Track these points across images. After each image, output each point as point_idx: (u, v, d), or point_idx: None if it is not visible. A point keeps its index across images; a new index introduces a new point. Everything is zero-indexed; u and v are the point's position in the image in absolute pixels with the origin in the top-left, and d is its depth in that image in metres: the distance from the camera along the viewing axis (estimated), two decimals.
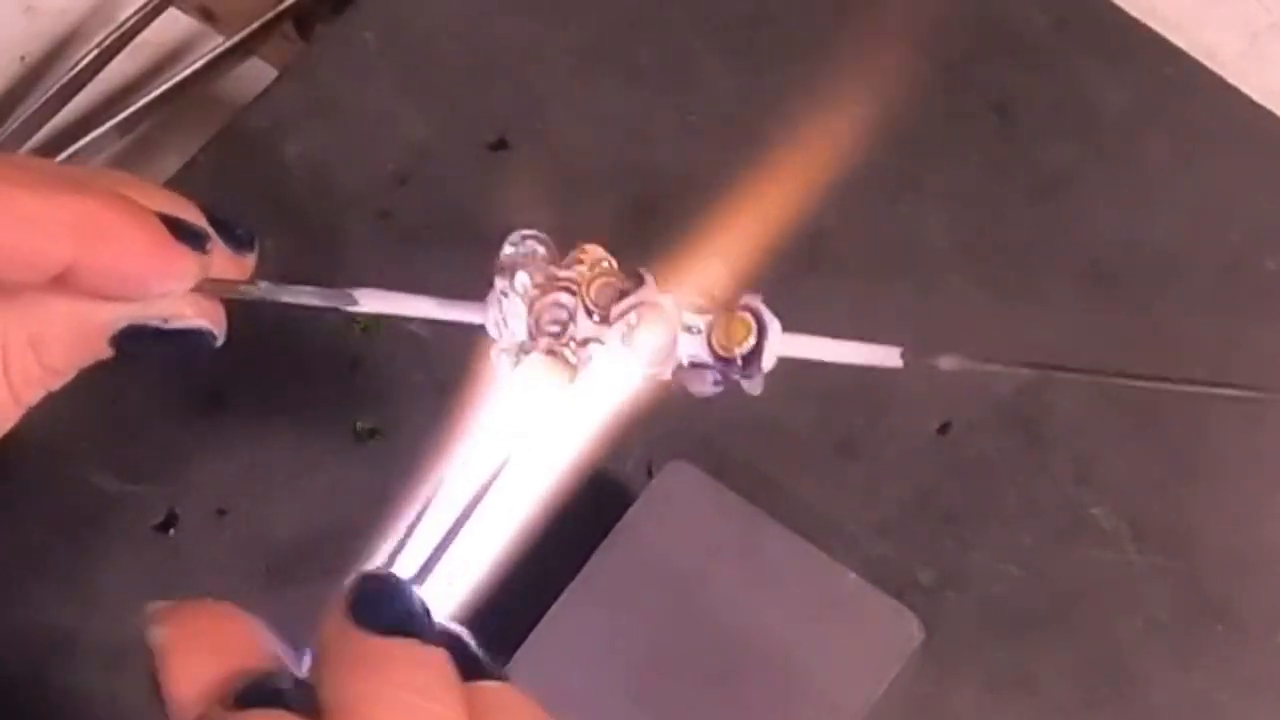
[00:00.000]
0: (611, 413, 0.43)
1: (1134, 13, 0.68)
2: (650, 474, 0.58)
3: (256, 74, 0.72)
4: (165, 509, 0.61)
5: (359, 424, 0.62)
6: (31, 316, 0.42)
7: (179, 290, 0.42)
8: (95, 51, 0.70)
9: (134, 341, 0.43)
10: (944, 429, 0.62)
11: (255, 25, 0.72)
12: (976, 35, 0.68)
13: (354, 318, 0.64)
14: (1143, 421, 0.62)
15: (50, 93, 0.70)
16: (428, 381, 0.62)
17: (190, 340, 0.44)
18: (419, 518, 0.41)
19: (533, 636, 0.55)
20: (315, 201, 0.66)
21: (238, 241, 0.44)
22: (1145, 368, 0.63)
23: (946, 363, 0.43)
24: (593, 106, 0.67)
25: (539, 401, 0.43)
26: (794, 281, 0.65)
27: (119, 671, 0.59)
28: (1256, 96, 0.67)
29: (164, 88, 0.70)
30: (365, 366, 0.63)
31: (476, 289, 0.45)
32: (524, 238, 0.44)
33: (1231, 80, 0.67)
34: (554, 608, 0.55)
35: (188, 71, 0.71)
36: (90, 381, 0.63)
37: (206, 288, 0.43)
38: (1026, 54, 0.68)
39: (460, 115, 0.67)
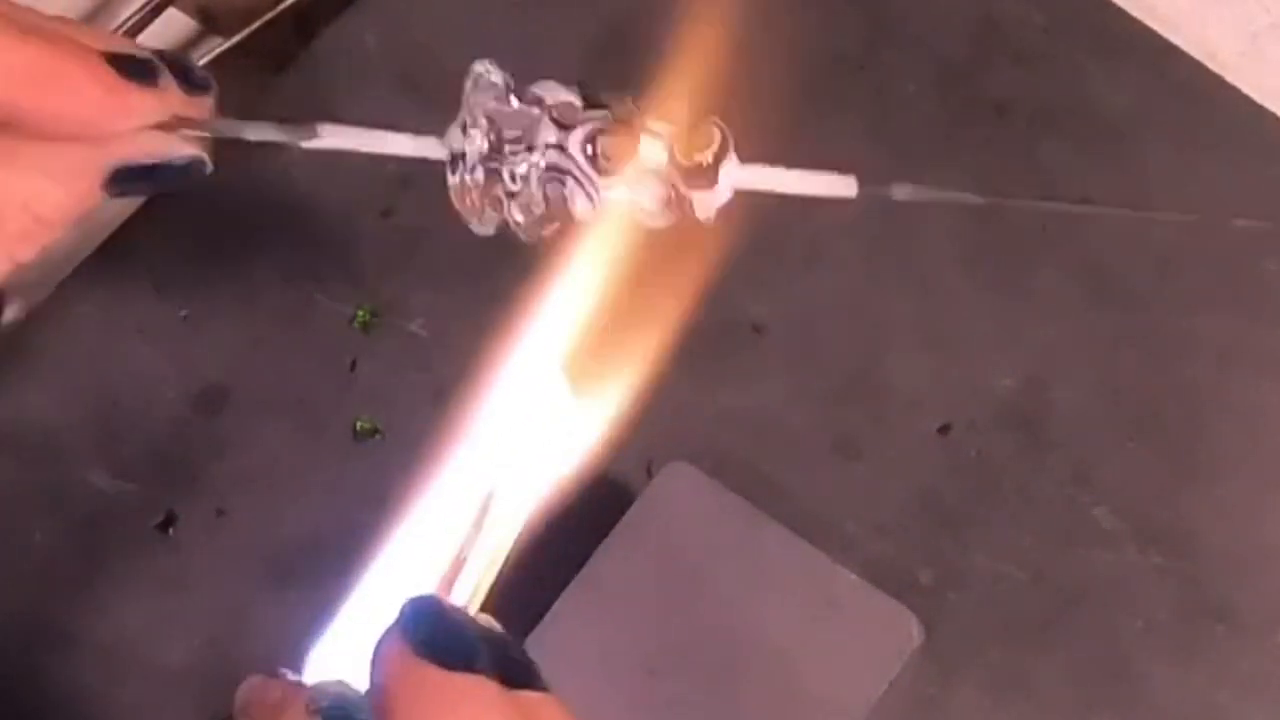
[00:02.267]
0: (611, 415, 0.43)
1: (1134, 13, 0.68)
2: (650, 474, 0.58)
3: (256, 74, 0.72)
4: (165, 509, 0.61)
5: (359, 424, 0.62)
6: (23, 176, 0.41)
7: (138, 125, 0.42)
8: None
9: (126, 182, 0.43)
10: (944, 429, 0.62)
11: (255, 25, 0.72)
12: (976, 35, 0.68)
13: (351, 319, 0.64)
14: (1143, 421, 0.62)
15: None
16: (428, 381, 0.62)
17: (182, 172, 0.43)
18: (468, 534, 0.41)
19: (532, 637, 0.55)
20: (316, 201, 0.66)
21: (193, 84, 0.44)
22: (1145, 368, 0.63)
23: (899, 191, 0.42)
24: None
25: (541, 412, 0.43)
26: (793, 282, 0.65)
27: (119, 671, 0.59)
28: (1256, 96, 0.67)
29: None
30: (365, 366, 0.63)
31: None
32: (485, 71, 0.43)
33: (1231, 80, 0.67)
34: (554, 608, 0.55)
35: None
36: (90, 382, 0.63)
37: (168, 124, 0.42)
38: (1026, 54, 0.68)
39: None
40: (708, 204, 0.42)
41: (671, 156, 0.42)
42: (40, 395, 0.63)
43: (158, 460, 0.62)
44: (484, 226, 0.43)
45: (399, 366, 0.63)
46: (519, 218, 0.43)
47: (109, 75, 0.41)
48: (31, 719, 0.59)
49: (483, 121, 0.43)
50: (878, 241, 0.65)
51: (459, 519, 0.41)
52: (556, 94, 0.43)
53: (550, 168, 0.42)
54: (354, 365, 0.63)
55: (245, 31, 0.72)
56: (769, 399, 0.62)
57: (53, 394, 0.63)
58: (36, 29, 0.40)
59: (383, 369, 0.63)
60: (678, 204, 0.42)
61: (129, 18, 0.71)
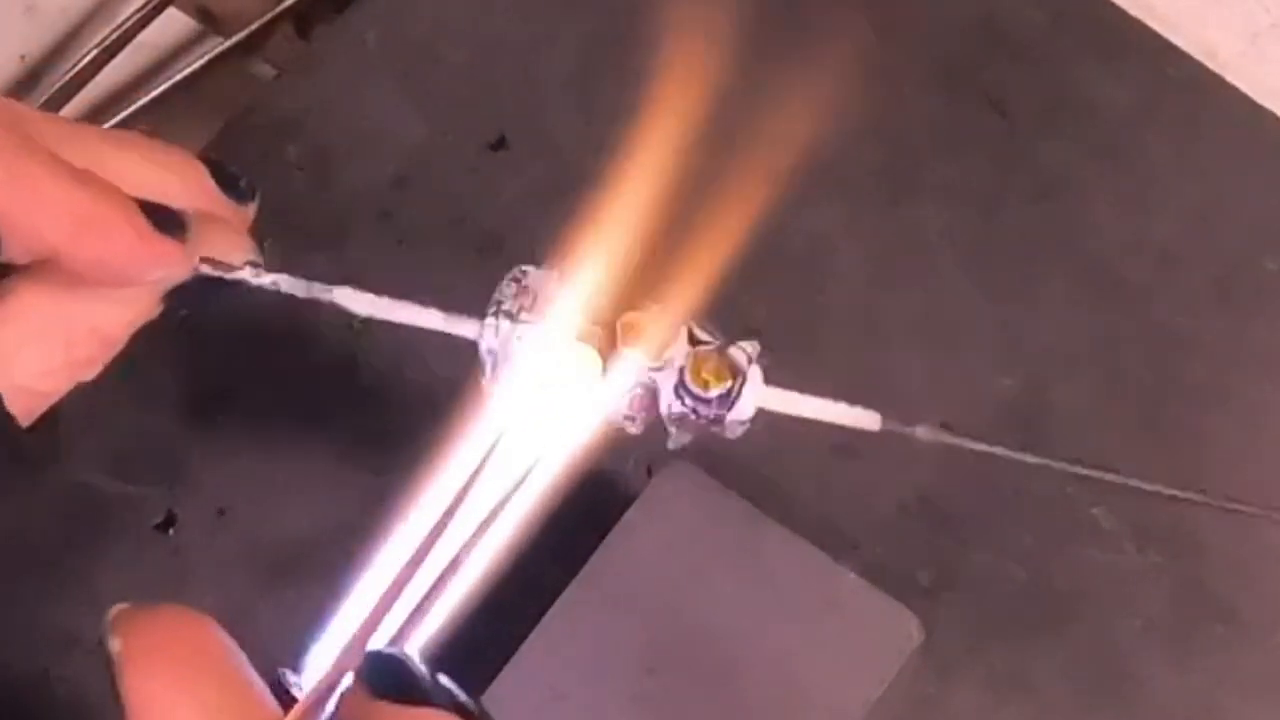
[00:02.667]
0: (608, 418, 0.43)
1: (1134, 12, 0.68)
2: (650, 474, 0.58)
3: (256, 74, 0.72)
4: (165, 509, 0.61)
5: (359, 423, 0.62)
6: (91, 302, 0.43)
7: (165, 274, 0.43)
8: (95, 51, 0.70)
9: (181, 297, 0.44)
10: (944, 429, 0.62)
11: (255, 25, 0.72)
12: (976, 35, 0.68)
13: (352, 320, 0.64)
14: (1143, 421, 0.62)
15: (50, 93, 0.70)
16: (428, 381, 0.62)
17: (233, 286, 0.44)
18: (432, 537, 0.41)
19: (533, 636, 0.55)
20: (315, 201, 0.66)
21: (239, 194, 0.45)
22: (1145, 368, 0.63)
23: (922, 433, 0.43)
24: (593, 107, 0.67)
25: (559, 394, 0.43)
26: (794, 283, 0.65)
27: None
28: (1256, 96, 0.67)
29: (164, 88, 0.70)
30: (365, 366, 0.63)
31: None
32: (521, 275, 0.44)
33: (1231, 80, 0.67)
34: (554, 608, 0.55)
35: (188, 71, 0.71)
36: (90, 381, 0.63)
37: (201, 269, 0.43)
38: (1026, 54, 0.68)
39: (460, 115, 0.67)
40: (732, 426, 0.43)
41: (682, 381, 0.43)
42: (53, 434, 0.63)
43: (158, 460, 0.62)
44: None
45: (399, 366, 0.63)
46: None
47: (144, 225, 0.42)
48: (32, 719, 0.59)
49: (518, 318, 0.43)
50: (878, 241, 0.65)
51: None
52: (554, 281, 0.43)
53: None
54: (354, 365, 0.63)
55: (245, 31, 0.72)
56: None
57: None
58: (85, 173, 0.41)
59: (383, 369, 0.63)
60: (697, 424, 0.43)
61: (129, 17, 0.71)
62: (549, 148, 0.67)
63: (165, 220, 0.42)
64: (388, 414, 0.62)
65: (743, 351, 0.42)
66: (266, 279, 0.45)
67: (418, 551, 0.41)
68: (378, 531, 0.42)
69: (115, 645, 0.36)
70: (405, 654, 0.39)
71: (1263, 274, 0.64)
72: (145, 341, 0.64)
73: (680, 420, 0.43)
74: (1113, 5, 0.68)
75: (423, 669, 0.38)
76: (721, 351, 0.42)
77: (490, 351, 0.43)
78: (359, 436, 0.62)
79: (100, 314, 0.43)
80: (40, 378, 0.43)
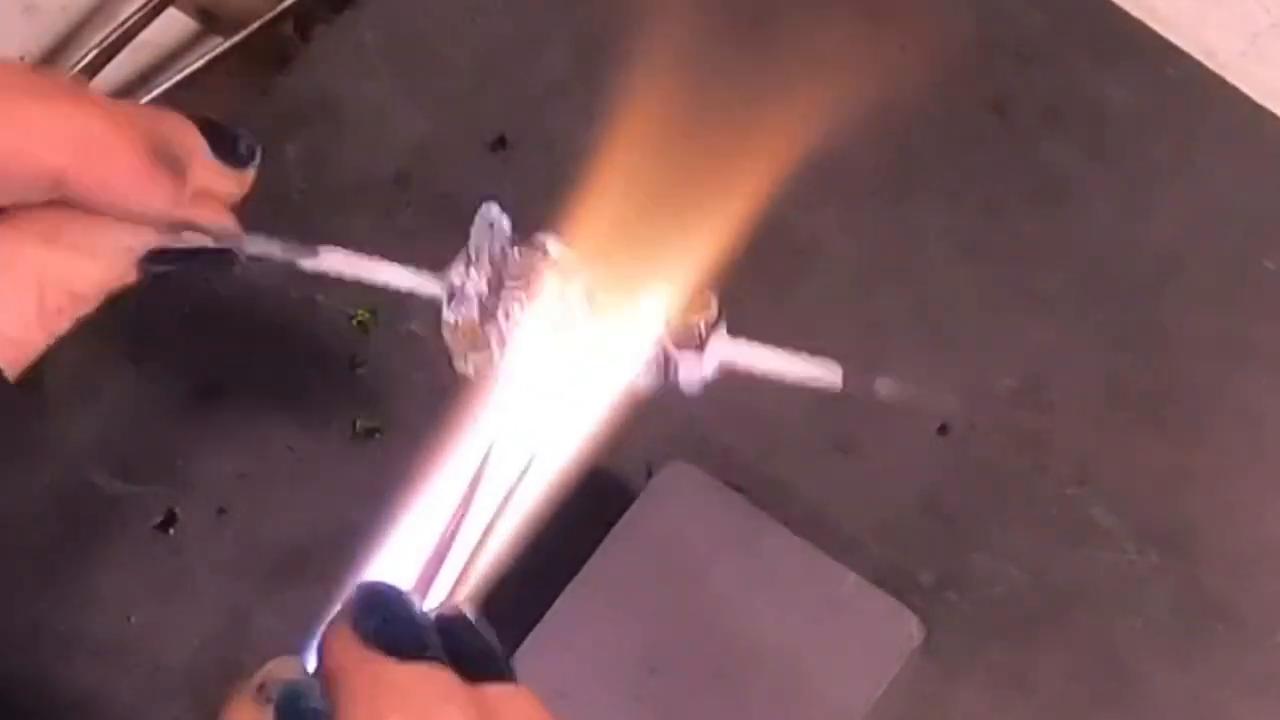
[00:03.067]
0: (611, 412, 0.43)
1: (1134, 13, 0.68)
2: (650, 474, 0.58)
3: (256, 74, 0.72)
4: (165, 509, 0.61)
5: (359, 423, 0.62)
6: (61, 254, 0.43)
7: (162, 211, 0.43)
8: (95, 51, 0.70)
9: (158, 264, 0.44)
10: (944, 429, 0.62)
11: (255, 25, 0.72)
12: (976, 35, 0.68)
13: (351, 319, 0.64)
14: (1143, 421, 0.62)
15: None
16: (428, 381, 0.62)
17: (214, 261, 0.45)
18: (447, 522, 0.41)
19: (533, 636, 0.55)
20: (315, 201, 0.66)
21: (237, 157, 0.45)
22: (1145, 368, 0.63)
23: (883, 387, 0.43)
24: (593, 106, 0.67)
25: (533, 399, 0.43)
26: (794, 282, 0.65)
27: (119, 671, 0.59)
28: (1256, 96, 0.67)
29: (164, 88, 0.70)
30: (365, 366, 0.63)
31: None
32: (494, 216, 0.44)
33: (1231, 80, 0.67)
34: (554, 607, 0.55)
35: (188, 71, 0.71)
36: (90, 382, 0.63)
37: (179, 225, 0.44)
38: (1026, 54, 0.68)
39: (460, 115, 0.67)
40: (693, 371, 0.43)
41: (665, 318, 0.43)
42: (40, 395, 0.63)
43: (158, 460, 0.62)
44: (466, 365, 0.44)
45: (399, 366, 0.63)
46: (501, 357, 0.43)
47: (148, 157, 0.42)
48: (32, 719, 0.59)
49: (486, 262, 0.43)
50: (878, 241, 0.65)
51: (452, 494, 0.41)
52: (558, 246, 0.43)
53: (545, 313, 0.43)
54: (354, 365, 0.63)
55: (245, 31, 0.72)
56: (769, 399, 0.62)
57: (53, 393, 0.63)
58: (89, 98, 0.41)
59: (383, 369, 0.63)
60: (663, 367, 0.43)
61: (129, 17, 0.71)
62: (549, 148, 0.67)
63: (165, 156, 0.42)
64: (387, 413, 0.62)
65: (714, 295, 0.43)
66: (250, 248, 0.44)
67: (422, 547, 0.41)
68: (377, 531, 0.42)
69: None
70: (399, 589, 0.39)
71: (1263, 274, 0.64)
72: (145, 341, 0.64)
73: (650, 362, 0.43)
74: (1113, 6, 0.68)
75: (419, 609, 0.38)
76: (700, 292, 0.43)
77: (455, 289, 0.43)
78: (359, 436, 0.62)
79: (73, 267, 0.43)
80: (16, 325, 0.43)
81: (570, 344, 0.43)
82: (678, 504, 0.57)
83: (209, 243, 0.44)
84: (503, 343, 0.43)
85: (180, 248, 0.44)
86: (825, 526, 0.59)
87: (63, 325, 0.45)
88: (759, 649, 0.55)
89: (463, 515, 0.41)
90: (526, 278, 0.43)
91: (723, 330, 0.43)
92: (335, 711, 0.36)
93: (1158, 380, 0.63)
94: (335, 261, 0.45)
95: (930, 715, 0.58)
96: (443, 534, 0.41)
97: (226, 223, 0.44)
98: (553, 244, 0.44)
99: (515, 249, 0.44)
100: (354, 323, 0.64)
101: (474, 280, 0.44)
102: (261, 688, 0.37)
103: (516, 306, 0.43)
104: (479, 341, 0.44)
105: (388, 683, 0.36)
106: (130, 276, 0.44)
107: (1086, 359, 0.63)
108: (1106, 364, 0.63)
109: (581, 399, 0.43)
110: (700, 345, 0.43)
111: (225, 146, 0.45)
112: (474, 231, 0.44)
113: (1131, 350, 0.63)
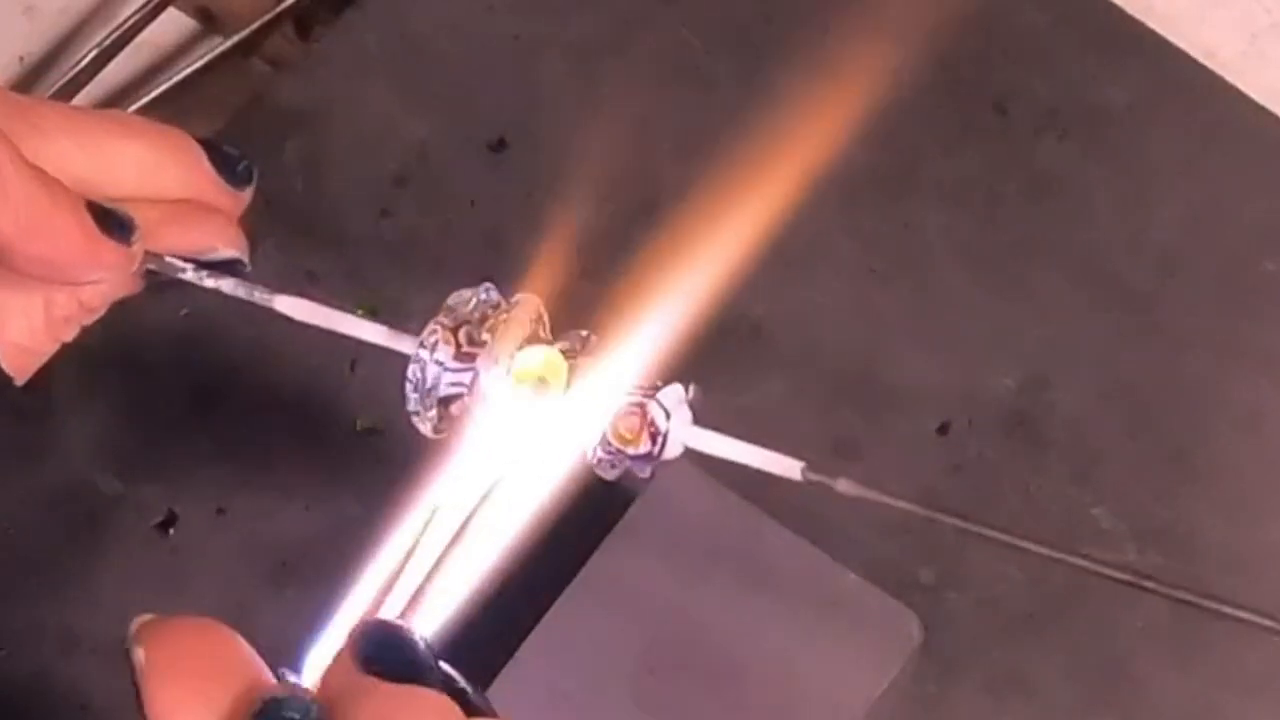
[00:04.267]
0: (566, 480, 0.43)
1: (1133, 12, 0.68)
2: (650, 474, 0.58)
3: (256, 74, 0.72)
4: (165, 509, 0.61)
5: (359, 422, 0.62)
6: None
7: (106, 278, 0.43)
8: (95, 51, 0.70)
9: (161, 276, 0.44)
10: (944, 429, 0.62)
11: (255, 25, 0.72)
12: (976, 35, 0.68)
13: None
14: (1143, 421, 0.62)
15: (50, 93, 0.70)
16: None
17: (222, 269, 0.45)
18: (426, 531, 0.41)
19: (533, 636, 0.55)
20: (315, 201, 0.66)
21: (236, 177, 0.45)
22: (1145, 368, 0.63)
23: (844, 486, 0.43)
24: (593, 106, 0.67)
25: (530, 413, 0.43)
26: (794, 282, 0.65)
27: (119, 671, 0.59)
28: (1256, 96, 0.67)
29: (164, 88, 0.70)
30: (365, 366, 0.63)
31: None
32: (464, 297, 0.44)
33: (1231, 80, 0.67)
34: (554, 608, 0.55)
35: (188, 71, 0.71)
36: (90, 381, 0.63)
37: (144, 264, 0.44)
38: (1026, 54, 0.68)
39: (460, 115, 0.67)
40: (644, 471, 0.43)
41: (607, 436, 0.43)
42: (40, 395, 0.63)
43: (158, 460, 0.62)
44: (424, 424, 0.44)
45: (399, 366, 0.63)
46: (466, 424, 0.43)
47: (91, 226, 0.42)
48: (32, 719, 0.59)
49: (456, 323, 0.43)
50: (878, 241, 0.65)
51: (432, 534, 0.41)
52: (533, 303, 0.43)
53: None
54: (354, 365, 0.63)
55: (245, 31, 0.72)
56: (769, 399, 0.62)
57: (53, 393, 0.63)
58: (40, 173, 0.41)
59: (383, 369, 0.63)
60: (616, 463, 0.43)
61: (129, 17, 0.71)
62: (549, 148, 0.66)
63: (112, 222, 0.42)
64: (387, 412, 0.62)
65: (661, 408, 0.42)
66: (209, 282, 0.45)
67: (413, 553, 0.41)
68: (377, 531, 0.42)
69: (139, 655, 0.36)
70: (403, 625, 0.39)
71: (1263, 274, 0.64)
72: (146, 341, 0.64)
73: (604, 464, 0.43)
74: (1113, 5, 0.68)
75: (422, 643, 0.38)
76: (642, 409, 0.42)
77: (413, 380, 0.44)
78: (359, 436, 0.62)
79: (86, 289, 0.44)
80: (25, 334, 0.44)
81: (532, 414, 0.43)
82: (678, 504, 0.57)
83: (221, 255, 0.44)
84: (463, 410, 0.43)
85: (185, 257, 0.44)
86: (825, 526, 0.59)
87: (70, 333, 0.45)
88: (759, 649, 0.55)
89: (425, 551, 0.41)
90: (495, 336, 0.43)
91: (687, 418, 0.43)
92: None
93: (1158, 380, 0.63)
94: (301, 313, 0.45)
95: (930, 715, 0.58)
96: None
97: (232, 241, 0.45)
98: (527, 301, 0.44)
99: (487, 309, 0.44)
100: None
101: (441, 347, 0.44)
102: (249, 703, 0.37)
103: (482, 369, 0.43)
104: (434, 404, 0.44)
105: (377, 699, 0.36)
106: (136, 286, 0.45)
107: (1086, 359, 0.63)
108: (1106, 364, 0.63)
109: (540, 465, 0.43)
110: (649, 458, 0.43)
111: (224, 166, 0.45)
112: (454, 301, 0.44)
113: (1131, 350, 0.63)
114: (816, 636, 0.55)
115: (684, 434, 0.43)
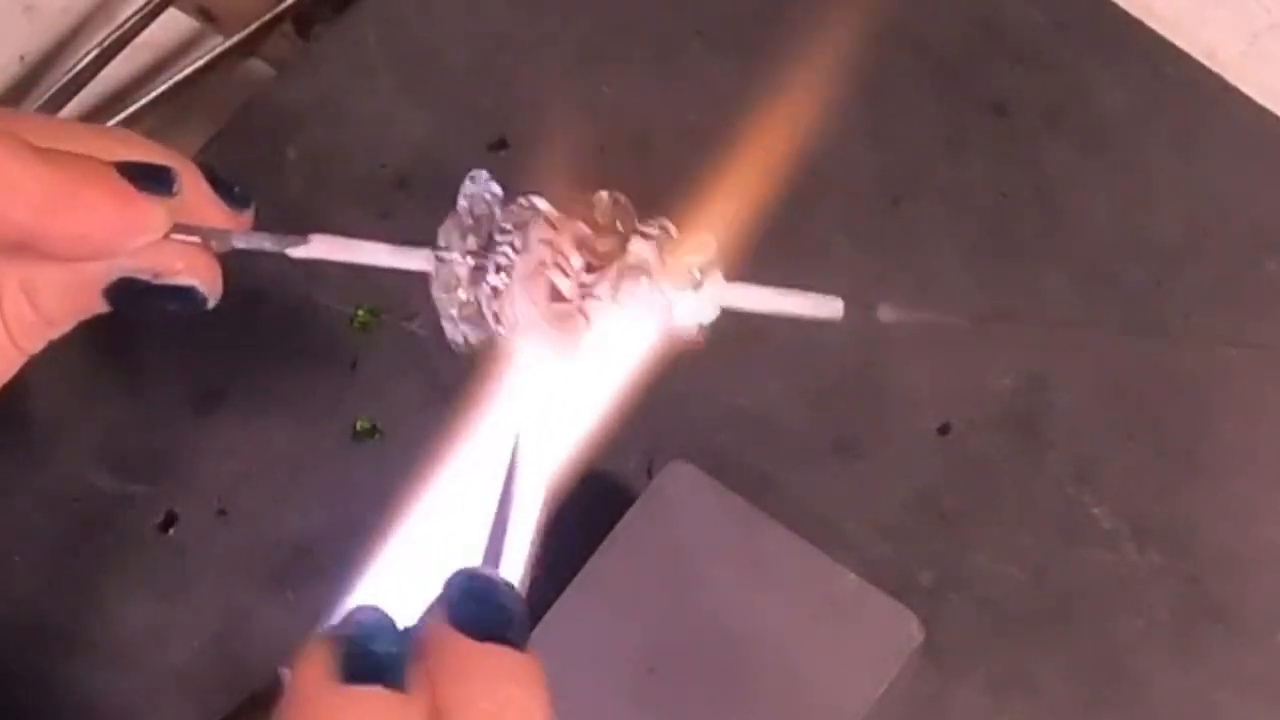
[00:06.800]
0: (612, 404, 0.43)
1: (1134, 13, 0.68)
2: (650, 474, 0.58)
3: (256, 74, 0.72)
4: (165, 509, 0.61)
5: (359, 423, 0.62)
6: (22, 263, 0.42)
7: (151, 239, 0.42)
8: (95, 51, 0.70)
9: (124, 295, 0.43)
10: (944, 429, 0.62)
11: (255, 25, 0.72)
12: (976, 35, 0.68)
13: (351, 319, 0.64)
14: (1143, 421, 0.62)
15: (50, 93, 0.70)
16: (428, 381, 0.62)
17: (180, 296, 0.43)
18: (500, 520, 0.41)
19: (532, 637, 0.55)
20: (315, 201, 0.66)
21: (235, 200, 0.45)
22: (1145, 368, 0.63)
23: (884, 313, 0.43)
24: (593, 106, 0.67)
25: (543, 381, 0.43)
26: (794, 282, 0.65)
27: (119, 671, 0.59)
28: (1256, 96, 0.67)
29: (164, 88, 0.70)
30: (365, 366, 0.63)
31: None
32: (482, 180, 0.44)
33: (1231, 80, 0.67)
34: (554, 608, 0.55)
35: (188, 71, 0.71)
36: (90, 381, 0.63)
37: (174, 234, 0.43)
38: (1026, 54, 0.68)
39: (460, 115, 0.67)
40: (689, 314, 0.42)
41: (661, 262, 0.42)
42: (40, 395, 0.63)
43: (158, 460, 0.62)
44: (457, 333, 0.44)
45: (399, 366, 0.63)
46: (496, 323, 0.43)
47: (124, 189, 0.41)
48: (32, 719, 0.59)
49: (470, 222, 0.43)
50: (878, 241, 0.65)
51: (486, 487, 0.41)
52: (547, 203, 0.43)
53: (541, 264, 0.42)
54: (354, 365, 0.63)
55: (245, 31, 0.72)
56: (769, 399, 0.62)
57: (53, 394, 0.63)
58: (53, 151, 0.40)
59: (383, 369, 0.63)
60: (662, 309, 0.42)
61: (129, 18, 0.71)
62: (549, 148, 0.66)
63: (150, 177, 0.42)
64: (387, 413, 0.62)
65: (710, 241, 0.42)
66: (239, 242, 0.44)
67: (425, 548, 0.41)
68: (378, 531, 0.42)
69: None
70: (497, 577, 0.38)
71: (1263, 274, 0.64)
72: (146, 341, 0.64)
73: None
74: (1113, 6, 0.68)
75: (517, 599, 0.38)
76: (696, 233, 0.42)
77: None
78: (359, 436, 0.62)
79: (31, 273, 0.42)
80: None
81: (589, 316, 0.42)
82: (678, 504, 0.57)
83: (178, 280, 0.43)
84: (500, 320, 0.43)
85: (146, 282, 0.43)
86: (825, 526, 0.59)
87: (32, 342, 0.44)
88: (759, 649, 0.55)
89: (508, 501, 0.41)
90: (517, 233, 0.43)
91: (719, 275, 0.43)
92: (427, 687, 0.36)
93: (1158, 380, 0.63)
94: (324, 248, 0.45)
95: (930, 715, 0.58)
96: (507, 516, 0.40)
97: (180, 267, 0.44)
98: (540, 201, 0.43)
99: (503, 208, 0.44)
100: (354, 323, 0.64)
101: (461, 244, 0.43)
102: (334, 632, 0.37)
103: (504, 260, 0.42)
104: (467, 308, 0.43)
105: (467, 660, 0.36)
106: (99, 306, 0.44)
107: (1086, 359, 0.63)
108: (1106, 364, 0.63)
109: (587, 378, 0.43)
110: (696, 286, 0.43)
111: (222, 188, 0.44)
112: (461, 197, 0.44)
113: (1131, 350, 0.63)
114: (816, 637, 0.55)
115: (720, 290, 0.42)
